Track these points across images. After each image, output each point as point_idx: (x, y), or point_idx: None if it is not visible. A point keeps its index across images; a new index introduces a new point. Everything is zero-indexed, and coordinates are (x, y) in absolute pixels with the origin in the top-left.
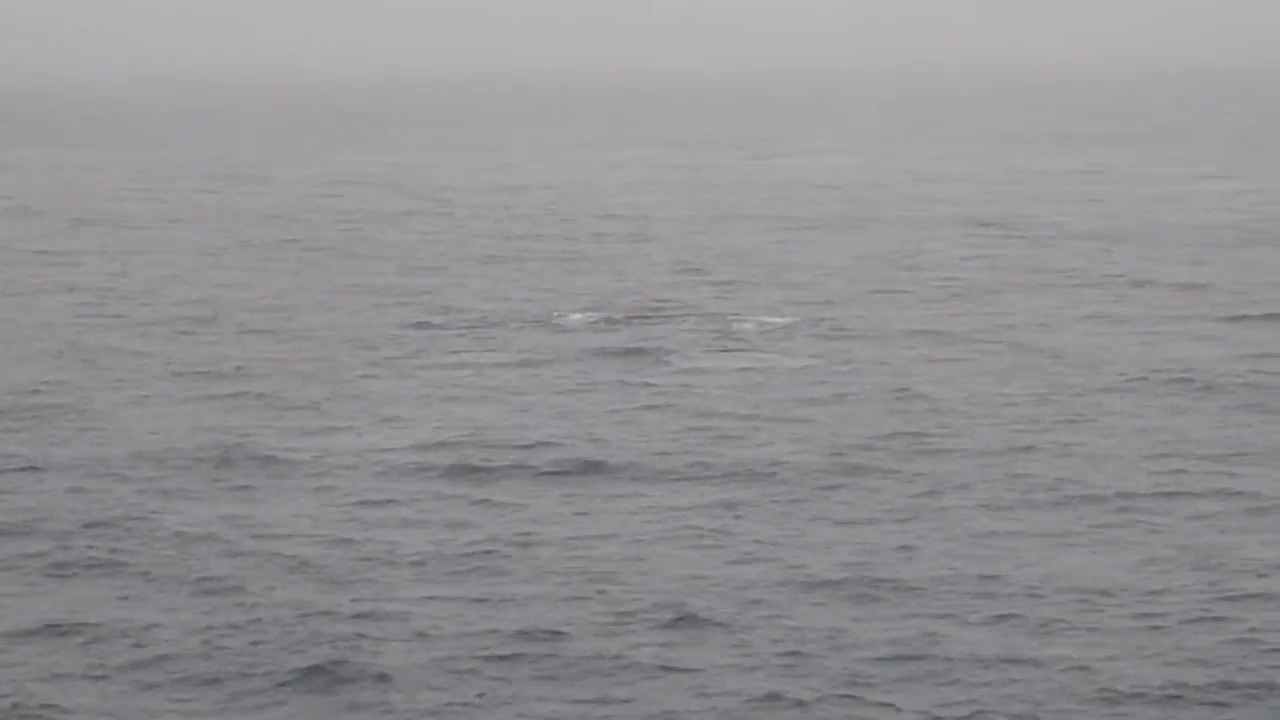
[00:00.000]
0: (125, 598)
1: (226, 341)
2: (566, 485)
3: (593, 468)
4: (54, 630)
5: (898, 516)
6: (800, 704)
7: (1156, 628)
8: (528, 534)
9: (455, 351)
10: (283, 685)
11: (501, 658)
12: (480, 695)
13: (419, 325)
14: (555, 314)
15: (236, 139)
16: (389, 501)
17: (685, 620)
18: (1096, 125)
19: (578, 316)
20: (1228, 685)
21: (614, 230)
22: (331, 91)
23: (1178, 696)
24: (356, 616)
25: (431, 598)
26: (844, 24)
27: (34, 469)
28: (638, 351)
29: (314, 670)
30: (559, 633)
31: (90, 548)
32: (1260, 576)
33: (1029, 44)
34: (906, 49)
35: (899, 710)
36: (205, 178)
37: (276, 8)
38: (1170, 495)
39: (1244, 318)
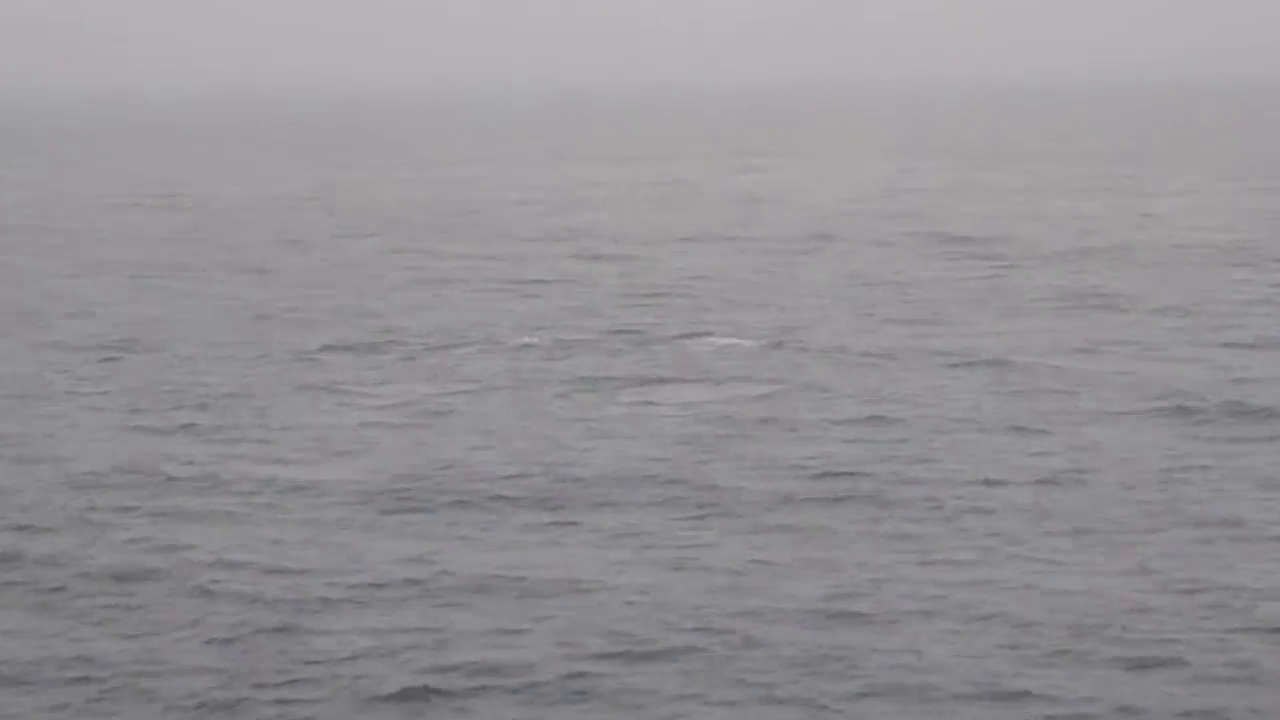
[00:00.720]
0: (59, 635)
1: (161, 366)
2: (519, 515)
3: (547, 497)
4: None
5: (869, 545)
6: None
7: (1144, 658)
8: (481, 564)
9: (401, 377)
10: None
11: (458, 692)
12: None
13: (364, 350)
14: (507, 337)
15: (184, 155)
16: (333, 532)
17: (651, 651)
18: (1077, 141)
19: (530, 340)
20: (1219, 714)
21: (570, 250)
22: (287, 105)
23: None
24: (304, 650)
25: (383, 630)
26: (836, 37)
27: None
28: (592, 377)
29: (259, 708)
30: (518, 664)
31: (22, 583)
32: (1250, 605)
33: (1016, 57)
34: (895, 64)
35: None
36: (143, 196)
37: (240, 21)
38: (1157, 524)
39: (1229, 342)
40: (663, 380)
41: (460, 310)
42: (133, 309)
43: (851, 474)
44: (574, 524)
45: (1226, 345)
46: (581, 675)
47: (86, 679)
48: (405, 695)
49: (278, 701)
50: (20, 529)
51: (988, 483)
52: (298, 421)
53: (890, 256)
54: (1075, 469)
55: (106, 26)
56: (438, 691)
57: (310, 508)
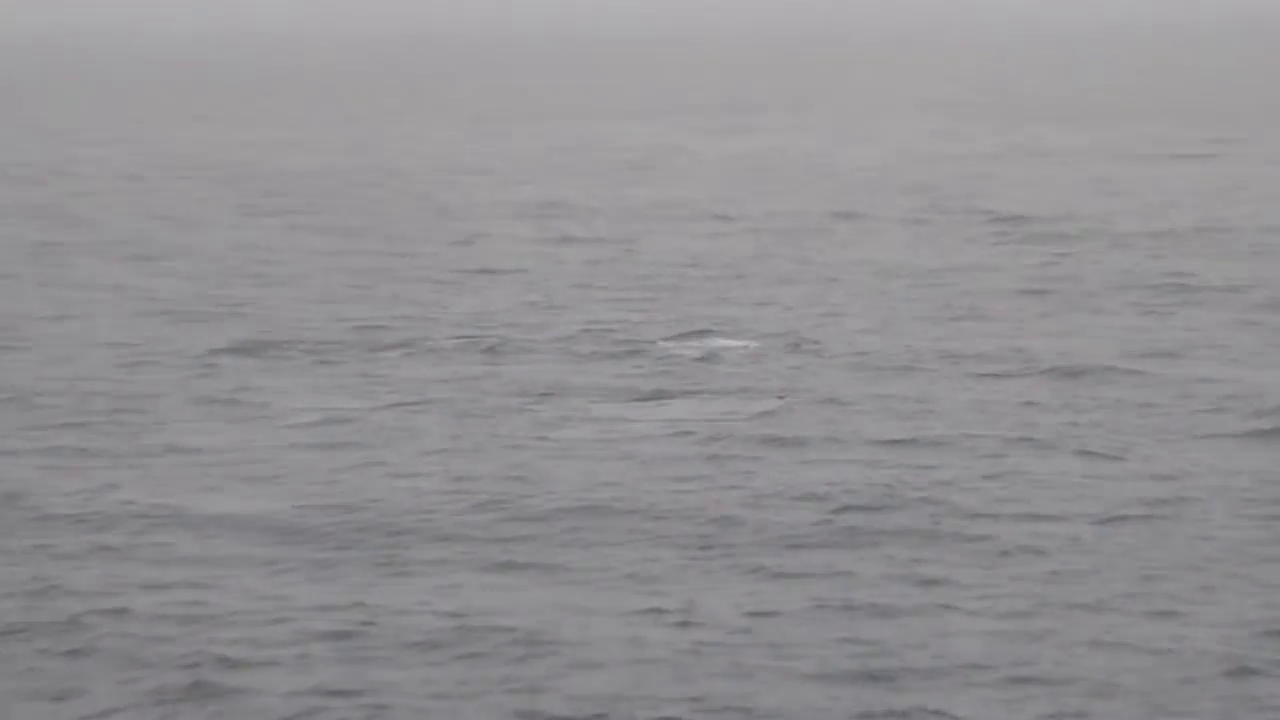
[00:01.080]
0: None
1: (24, 373)
2: (466, 554)
3: (500, 534)
4: None
5: (900, 591)
6: None
7: None
8: (419, 613)
9: (320, 387)
10: None
11: None
12: None
13: (272, 353)
14: (441, 338)
15: (42, 106)
16: (241, 576)
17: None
18: (1156, 92)
19: (471, 341)
20: None
21: (529, 231)
22: (189, 44)
23: None
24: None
25: (302, 693)
26: None
27: None
28: (550, 391)
29: None
30: None
31: None
32: None
33: None
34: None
35: None
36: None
37: None
38: (1256, 567)
39: None
40: (643, 391)
41: (391, 304)
42: None
43: (877, 507)
44: (533, 566)
45: None
46: None
47: None
48: None
49: None
50: None
51: (1045, 517)
52: (194, 441)
53: (923, 238)
54: (1155, 499)
55: None
56: None
57: (212, 546)
